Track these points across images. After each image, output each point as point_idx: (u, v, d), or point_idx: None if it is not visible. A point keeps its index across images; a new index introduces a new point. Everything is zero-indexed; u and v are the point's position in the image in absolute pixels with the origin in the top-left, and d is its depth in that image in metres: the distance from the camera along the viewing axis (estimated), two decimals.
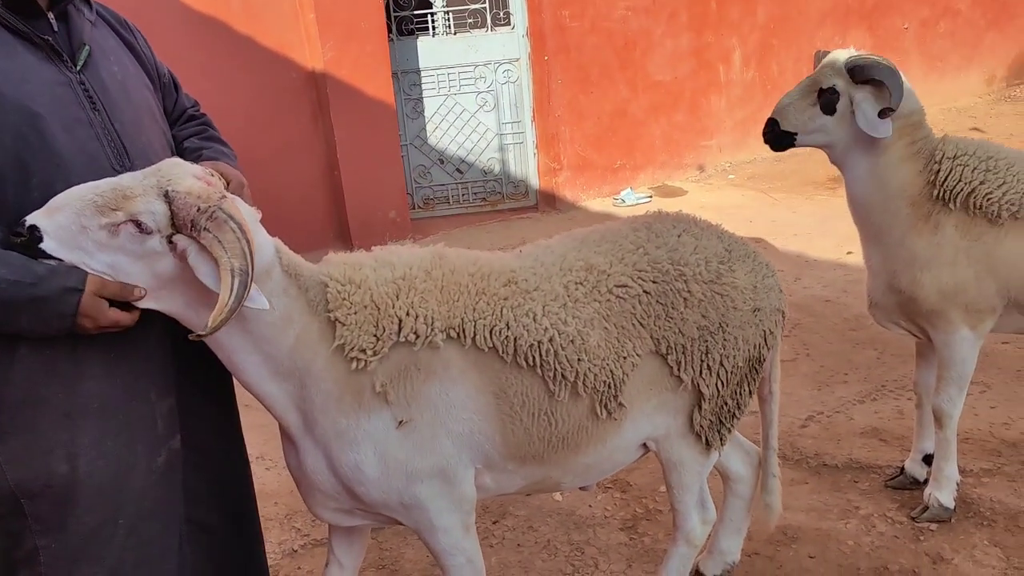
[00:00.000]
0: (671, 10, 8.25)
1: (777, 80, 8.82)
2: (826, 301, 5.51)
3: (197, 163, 2.06)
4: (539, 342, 2.22)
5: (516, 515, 3.61)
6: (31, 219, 1.78)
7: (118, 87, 2.08)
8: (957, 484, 3.34)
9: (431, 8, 7.78)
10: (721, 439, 2.58)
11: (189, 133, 2.38)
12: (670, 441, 2.54)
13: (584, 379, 2.27)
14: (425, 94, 7.90)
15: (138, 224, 1.81)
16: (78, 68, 2.00)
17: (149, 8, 6.18)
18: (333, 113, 7.03)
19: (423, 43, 7.79)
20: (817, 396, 4.41)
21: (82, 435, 1.96)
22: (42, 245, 1.78)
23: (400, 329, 2.12)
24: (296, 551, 3.54)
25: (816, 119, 3.09)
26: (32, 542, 1.97)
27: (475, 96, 8.00)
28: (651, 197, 8.17)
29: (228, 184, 2.10)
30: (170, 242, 1.84)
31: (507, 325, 2.21)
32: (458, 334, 2.18)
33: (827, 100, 3.05)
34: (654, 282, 2.38)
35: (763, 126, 3.21)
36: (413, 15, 7.73)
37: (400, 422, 2.13)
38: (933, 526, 3.29)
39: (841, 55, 3.07)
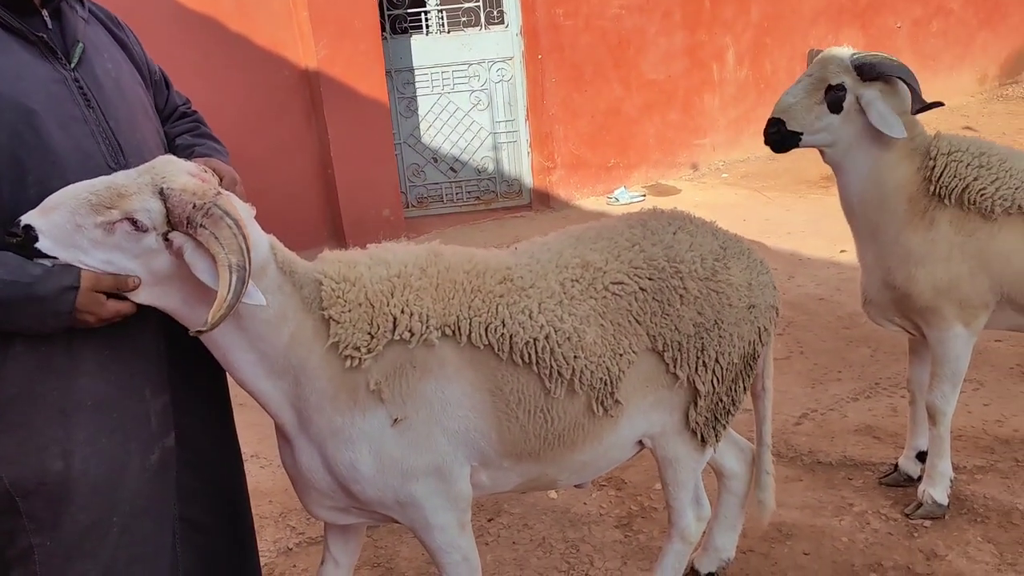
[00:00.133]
0: (665, 9, 8.26)
1: (771, 79, 8.84)
2: (820, 299, 5.52)
3: (190, 160, 2.05)
4: (535, 339, 2.22)
5: (511, 513, 3.61)
6: (26, 219, 1.78)
7: (112, 84, 2.08)
8: (951, 481, 3.35)
9: (425, 6, 7.77)
10: (716, 435, 2.58)
11: (181, 130, 2.37)
12: (666, 438, 2.54)
13: (580, 376, 2.27)
14: (419, 92, 7.90)
15: (134, 222, 1.80)
16: (72, 65, 2.00)
17: (142, 6, 6.16)
18: (327, 111, 7.02)
19: (417, 41, 7.78)
20: (811, 394, 4.42)
21: (77, 432, 1.95)
22: (38, 245, 1.78)
23: (395, 327, 2.11)
24: (291, 549, 3.54)
25: (823, 118, 3.04)
26: (26, 540, 1.96)
27: (469, 95, 7.99)
28: (645, 196, 8.17)
29: (221, 180, 2.09)
30: (166, 239, 1.83)
31: (503, 322, 2.21)
32: (453, 331, 2.18)
33: (834, 98, 3.00)
34: (650, 279, 2.38)
35: (765, 127, 3.12)
36: (407, 13, 7.72)
37: (395, 420, 2.13)
38: (927, 523, 3.30)
39: (841, 52, 3.04)
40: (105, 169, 1.94)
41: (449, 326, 2.18)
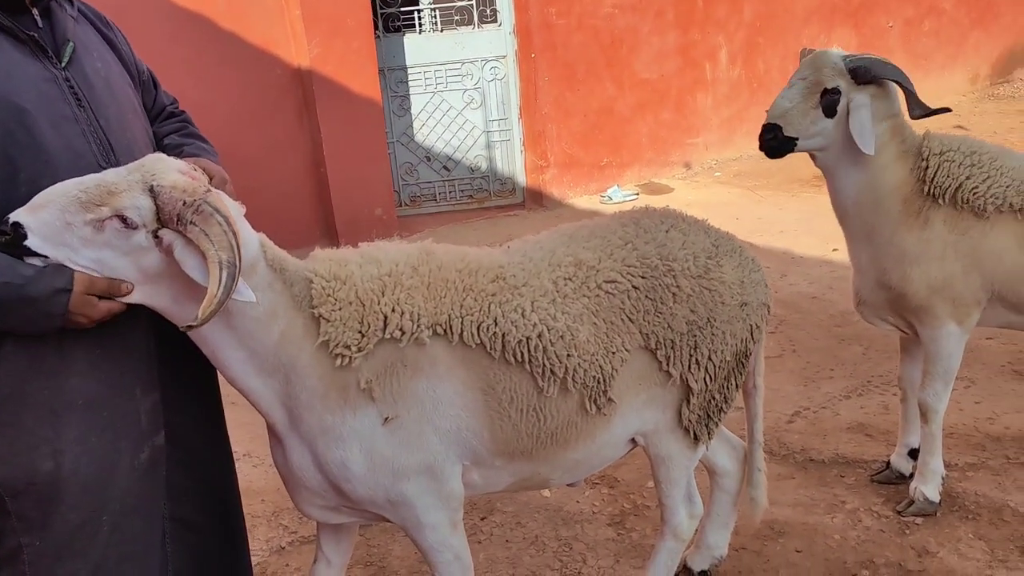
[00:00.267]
0: (657, 8, 8.27)
1: (763, 78, 8.86)
2: (812, 298, 5.54)
3: (179, 159, 2.05)
4: (528, 338, 2.22)
5: (504, 511, 3.61)
6: (15, 216, 1.77)
7: (102, 83, 2.08)
8: (942, 478, 3.36)
9: (418, 5, 7.76)
10: (709, 433, 2.58)
11: (169, 130, 2.37)
12: (658, 436, 2.54)
13: (573, 375, 2.27)
14: (412, 91, 7.89)
15: (123, 219, 1.80)
16: (63, 64, 2.00)
17: (134, 5, 6.15)
18: (319, 110, 7.01)
19: (410, 40, 7.77)
20: (803, 392, 4.43)
21: (67, 431, 1.94)
22: (27, 242, 1.77)
23: (385, 325, 2.11)
24: (284, 548, 3.53)
25: (818, 122, 3.01)
26: (15, 540, 1.96)
27: (462, 93, 7.99)
28: (638, 195, 8.18)
29: (211, 180, 2.09)
30: (156, 237, 1.83)
31: (495, 321, 2.20)
32: (445, 330, 2.18)
33: (829, 102, 2.98)
34: (643, 277, 2.38)
35: (761, 132, 3.08)
36: (400, 12, 7.72)
37: (386, 419, 2.13)
38: (918, 520, 3.31)
39: (834, 54, 3.02)
40: (96, 168, 1.93)
41: (441, 325, 2.17)
